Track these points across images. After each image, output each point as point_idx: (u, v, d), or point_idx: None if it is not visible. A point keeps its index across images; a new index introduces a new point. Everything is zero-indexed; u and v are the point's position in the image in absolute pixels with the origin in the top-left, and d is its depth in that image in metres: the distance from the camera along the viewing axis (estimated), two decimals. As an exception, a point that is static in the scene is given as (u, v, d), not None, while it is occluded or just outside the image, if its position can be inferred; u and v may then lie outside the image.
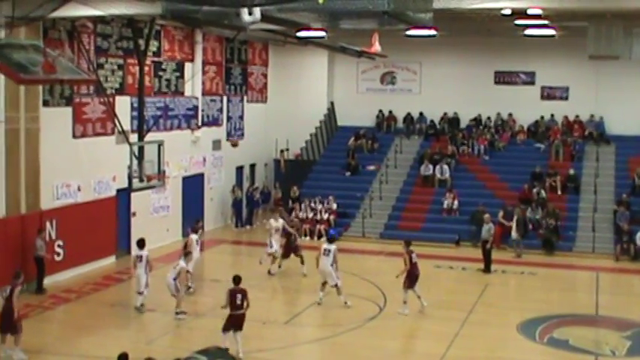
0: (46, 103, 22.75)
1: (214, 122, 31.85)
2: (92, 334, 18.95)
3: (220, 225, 32.45)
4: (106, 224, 25.26)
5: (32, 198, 22.32)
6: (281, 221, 25.21)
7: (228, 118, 33.01)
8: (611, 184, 31.53)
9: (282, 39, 31.18)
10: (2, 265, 21.00)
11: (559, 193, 31.18)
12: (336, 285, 21.16)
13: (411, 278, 20.60)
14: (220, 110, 32.30)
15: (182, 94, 29.47)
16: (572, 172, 31.72)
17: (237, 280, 17.40)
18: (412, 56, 35.81)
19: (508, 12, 20.98)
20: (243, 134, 34.20)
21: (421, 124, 36.30)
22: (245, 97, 34.37)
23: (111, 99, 24.99)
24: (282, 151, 35.98)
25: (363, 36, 28.37)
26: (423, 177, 33.05)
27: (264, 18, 16.75)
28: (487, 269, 25.67)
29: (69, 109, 23.77)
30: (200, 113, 30.62)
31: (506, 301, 22.83)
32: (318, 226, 30.40)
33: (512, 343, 18.90)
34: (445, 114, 36.27)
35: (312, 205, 31.31)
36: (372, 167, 34.44)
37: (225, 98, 32.59)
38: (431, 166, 33.00)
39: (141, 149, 23.08)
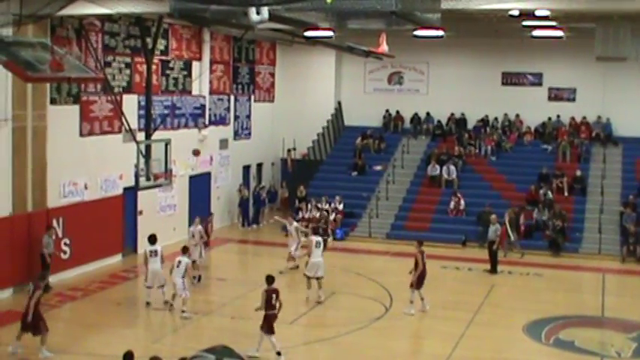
0: (53, 101, 22.78)
1: (221, 121, 31.88)
2: (98, 332, 19.01)
3: (227, 224, 32.47)
4: (112, 223, 25.32)
5: (39, 196, 22.35)
6: (295, 223, 25.46)
7: (236, 117, 33.05)
8: (618, 186, 31.48)
9: (289, 38, 31.18)
10: (9, 263, 21.12)
11: (566, 194, 31.14)
12: (321, 277, 21.33)
13: (420, 279, 20.67)
14: (227, 109, 32.34)
15: (189, 92, 29.51)
16: (579, 173, 31.66)
17: (270, 279, 17.38)
18: (420, 56, 35.77)
19: (516, 13, 20.92)
20: (250, 133, 34.25)
21: (428, 125, 36.26)
22: (252, 97, 34.41)
23: (118, 97, 25.03)
24: (289, 151, 36.00)
25: (370, 36, 28.39)
26: (429, 177, 33.03)
27: (272, 17, 16.71)
28: (493, 270, 25.66)
29: (76, 107, 23.81)
30: (207, 112, 30.67)
31: (513, 302, 22.77)
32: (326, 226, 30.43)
33: (518, 344, 18.89)
34: (452, 114, 36.22)
35: (319, 205, 31.32)
36: (378, 167, 34.40)
37: (232, 97, 32.63)
38: (438, 167, 32.98)
39: (148, 148, 23.11)
